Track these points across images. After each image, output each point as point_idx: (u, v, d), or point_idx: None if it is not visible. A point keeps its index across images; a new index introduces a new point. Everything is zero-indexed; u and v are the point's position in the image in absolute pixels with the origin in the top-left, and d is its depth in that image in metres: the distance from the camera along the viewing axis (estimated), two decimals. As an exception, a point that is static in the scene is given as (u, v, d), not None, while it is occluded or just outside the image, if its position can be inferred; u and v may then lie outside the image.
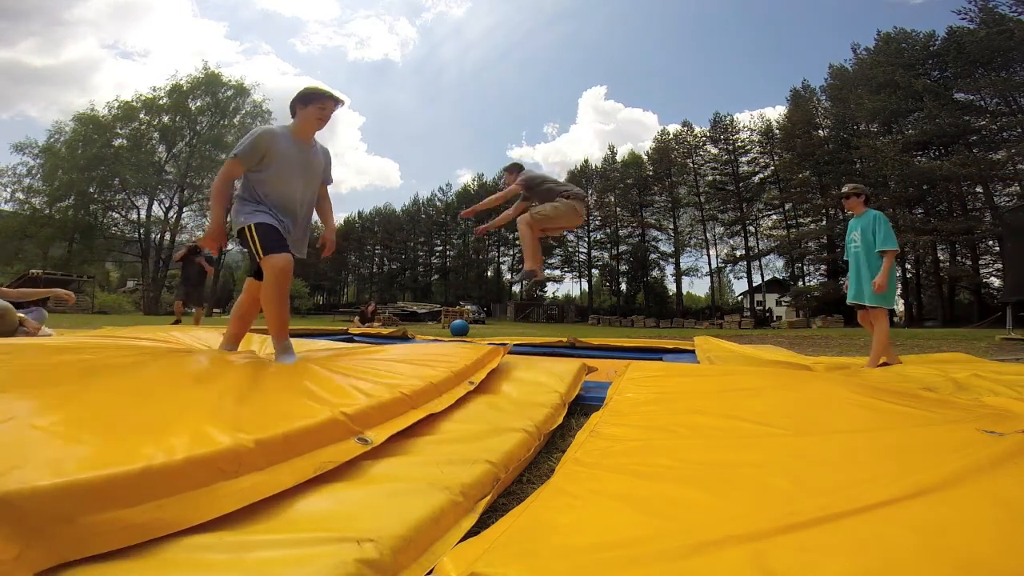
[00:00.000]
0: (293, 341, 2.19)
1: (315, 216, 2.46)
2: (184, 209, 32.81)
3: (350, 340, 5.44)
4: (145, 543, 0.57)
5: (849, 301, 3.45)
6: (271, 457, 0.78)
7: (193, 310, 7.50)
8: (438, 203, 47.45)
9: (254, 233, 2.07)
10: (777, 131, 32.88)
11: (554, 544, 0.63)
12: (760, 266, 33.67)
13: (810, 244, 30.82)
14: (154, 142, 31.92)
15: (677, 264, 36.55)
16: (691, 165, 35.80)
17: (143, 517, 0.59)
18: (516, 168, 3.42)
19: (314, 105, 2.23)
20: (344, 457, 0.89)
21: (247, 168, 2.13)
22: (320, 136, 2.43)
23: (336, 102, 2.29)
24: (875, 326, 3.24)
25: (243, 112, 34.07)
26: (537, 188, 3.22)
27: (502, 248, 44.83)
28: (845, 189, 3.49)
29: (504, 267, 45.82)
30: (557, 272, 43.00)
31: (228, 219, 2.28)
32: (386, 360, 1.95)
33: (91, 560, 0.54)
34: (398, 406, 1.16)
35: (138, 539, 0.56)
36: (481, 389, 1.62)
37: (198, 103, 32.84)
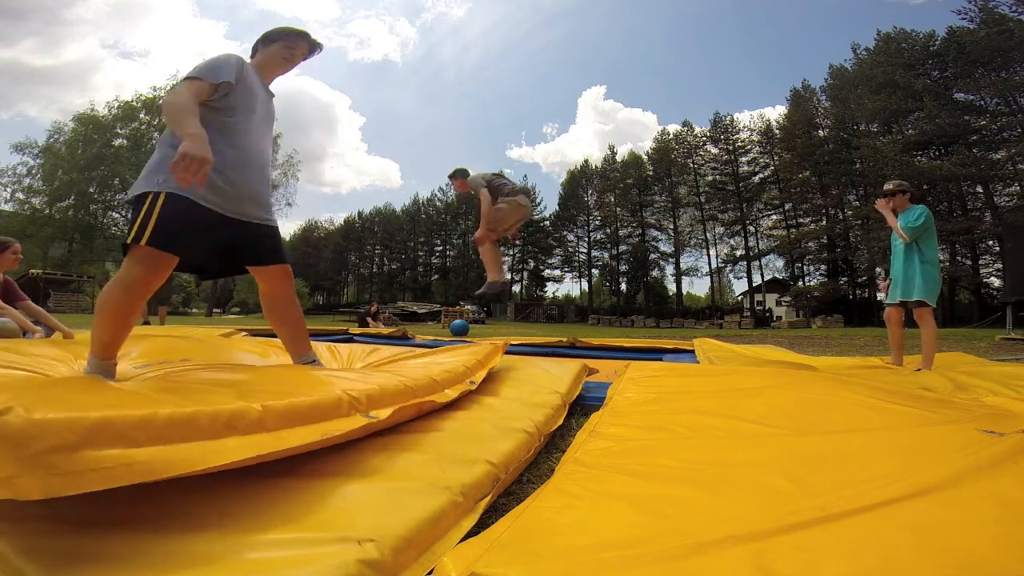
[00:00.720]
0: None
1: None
2: (184, 209, 32.79)
3: (350, 340, 5.44)
4: (144, 542, 0.58)
5: (891, 301, 3.32)
6: (278, 422, 0.81)
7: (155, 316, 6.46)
8: (438, 203, 47.47)
9: (160, 208, 1.41)
10: (777, 131, 32.90)
11: (554, 544, 0.63)
12: (760, 266, 33.71)
13: (810, 244, 30.82)
14: (154, 142, 31.88)
15: (677, 264, 36.57)
16: (691, 165, 35.82)
17: (148, 456, 0.59)
18: (462, 173, 3.47)
19: (281, 43, 1.83)
20: (351, 426, 0.91)
21: (206, 98, 1.57)
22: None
23: (311, 47, 1.89)
24: (923, 328, 3.12)
25: (243, 112, 34.04)
26: (491, 185, 3.29)
27: (502, 248, 44.82)
28: (889, 186, 3.35)
29: (504, 267, 45.72)
30: (557, 272, 43.05)
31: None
32: (387, 361, 1.96)
33: (84, 558, 0.54)
34: (403, 395, 1.18)
35: (142, 478, 0.57)
36: (482, 390, 1.62)
37: (198, 103, 32.82)
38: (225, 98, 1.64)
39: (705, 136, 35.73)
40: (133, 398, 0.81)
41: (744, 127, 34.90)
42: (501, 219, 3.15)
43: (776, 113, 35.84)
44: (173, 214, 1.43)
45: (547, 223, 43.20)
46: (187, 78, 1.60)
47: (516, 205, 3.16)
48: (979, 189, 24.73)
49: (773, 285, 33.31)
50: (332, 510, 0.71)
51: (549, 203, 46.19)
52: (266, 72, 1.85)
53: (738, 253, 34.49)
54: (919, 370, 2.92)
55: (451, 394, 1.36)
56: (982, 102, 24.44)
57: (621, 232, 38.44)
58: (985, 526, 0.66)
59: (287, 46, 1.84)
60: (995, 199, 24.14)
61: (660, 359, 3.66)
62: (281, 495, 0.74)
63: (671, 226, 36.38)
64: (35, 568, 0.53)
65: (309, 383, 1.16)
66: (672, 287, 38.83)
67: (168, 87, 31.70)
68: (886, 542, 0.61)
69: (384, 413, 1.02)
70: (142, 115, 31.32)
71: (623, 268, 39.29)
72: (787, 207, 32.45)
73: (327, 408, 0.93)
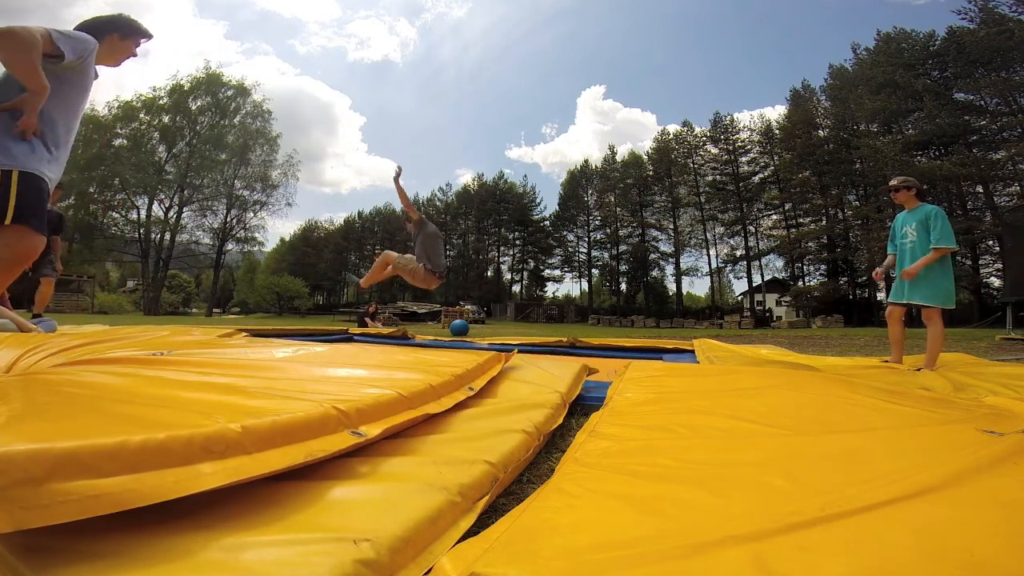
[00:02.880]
0: (293, 341, 2.07)
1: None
2: (184, 209, 32.84)
3: (350, 340, 5.44)
4: (139, 541, 0.57)
5: (895, 300, 3.26)
6: (259, 443, 0.77)
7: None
8: (438, 203, 47.47)
9: (16, 185, 1.50)
10: (777, 131, 32.89)
11: (554, 544, 0.63)
12: (760, 266, 33.72)
13: (810, 244, 30.81)
14: (154, 142, 31.93)
15: (677, 264, 36.56)
16: (691, 165, 35.83)
17: (117, 487, 0.58)
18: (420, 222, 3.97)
19: (132, 40, 1.91)
20: (337, 446, 0.88)
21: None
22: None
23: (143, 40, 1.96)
24: (929, 328, 3.06)
25: (243, 112, 34.11)
26: (426, 232, 3.79)
27: (502, 248, 44.83)
28: (894, 182, 3.31)
29: (504, 267, 45.81)
30: (557, 272, 43.04)
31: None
32: (384, 361, 1.95)
33: (81, 560, 0.54)
34: (395, 406, 1.14)
35: (111, 509, 0.56)
36: (481, 389, 1.62)
37: (198, 103, 32.87)
38: (79, 76, 1.64)
39: (705, 136, 35.73)
40: (104, 421, 0.79)
41: (744, 127, 34.92)
42: (412, 274, 3.75)
43: (776, 113, 35.89)
44: (36, 189, 1.52)
45: (547, 223, 43.21)
46: (48, 31, 1.56)
47: (426, 279, 3.75)
48: (979, 189, 24.72)
49: (773, 285, 33.32)
50: (327, 510, 0.71)
51: (549, 203, 46.21)
52: (108, 62, 1.88)
53: (738, 253, 34.51)
54: (919, 369, 2.89)
55: (447, 403, 1.34)
56: (982, 102, 24.43)
57: (621, 232, 38.45)
58: (986, 526, 0.66)
59: (136, 45, 1.92)
60: (995, 199, 24.14)
61: (660, 359, 3.66)
62: (276, 495, 0.73)
63: (671, 226, 36.39)
64: (29, 566, 0.53)
65: (298, 390, 1.13)
66: (672, 287, 38.84)
67: (168, 87, 31.84)
68: (886, 542, 0.61)
69: (373, 431, 0.99)
70: (142, 115, 31.33)
71: (623, 268, 39.30)
72: (787, 207, 32.45)
73: (313, 425, 0.90)
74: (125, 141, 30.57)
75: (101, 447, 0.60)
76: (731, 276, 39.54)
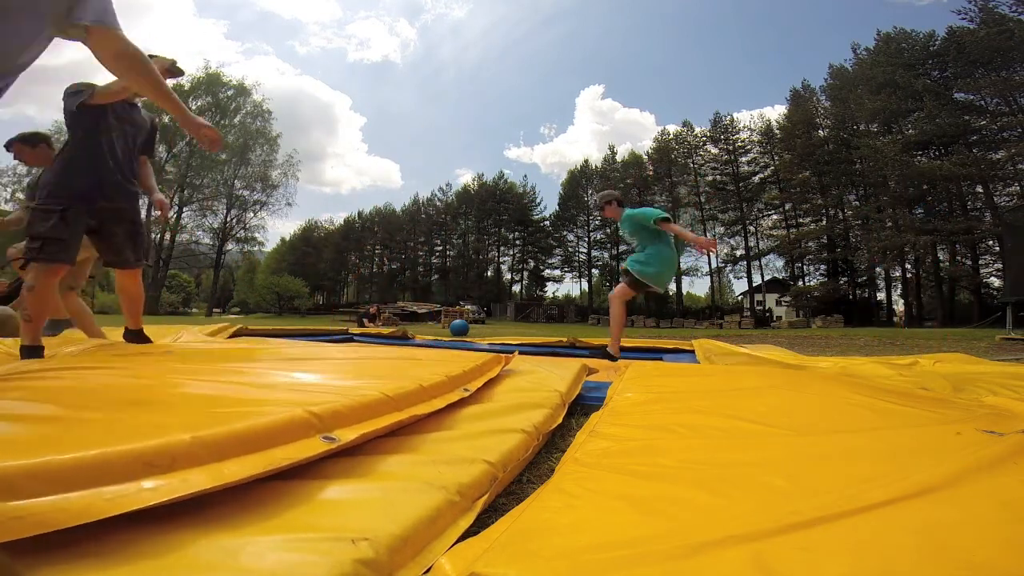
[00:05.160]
0: (293, 342, 2.11)
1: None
2: (184, 209, 32.84)
3: (350, 340, 5.44)
4: (136, 541, 0.57)
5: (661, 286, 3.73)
6: (213, 453, 0.73)
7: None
8: (438, 203, 47.52)
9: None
10: (777, 131, 32.93)
11: (554, 544, 0.62)
12: (760, 266, 33.77)
13: (810, 244, 30.84)
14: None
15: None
16: (691, 165, 35.86)
17: (40, 508, 0.55)
18: None
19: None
20: (304, 454, 0.82)
21: None
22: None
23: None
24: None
25: (243, 112, 34.14)
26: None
27: (502, 248, 44.84)
28: (595, 199, 3.78)
29: (504, 267, 45.82)
30: (557, 272, 43.06)
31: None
32: (377, 362, 1.95)
33: (74, 560, 0.54)
34: (379, 407, 1.09)
35: (31, 531, 0.53)
36: (479, 389, 1.62)
37: (198, 103, 32.89)
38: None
39: (705, 136, 35.77)
40: (32, 434, 0.76)
41: (744, 127, 34.98)
42: None
43: (776, 113, 35.92)
44: None
45: (547, 223, 43.22)
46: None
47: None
48: (979, 189, 24.76)
49: (773, 285, 33.35)
50: (325, 509, 0.71)
51: (549, 203, 46.22)
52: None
53: (738, 253, 34.55)
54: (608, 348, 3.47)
55: (438, 404, 1.30)
56: (982, 102, 24.46)
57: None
58: (986, 526, 0.66)
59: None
60: (995, 199, 24.17)
61: (660, 359, 3.66)
62: (273, 494, 0.73)
63: (671, 226, 36.34)
64: (24, 563, 0.52)
65: (262, 402, 1.06)
66: (672, 287, 38.84)
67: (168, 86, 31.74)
68: (887, 542, 0.61)
69: (348, 435, 0.92)
70: (142, 115, 31.29)
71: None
72: (787, 207, 32.49)
73: (277, 430, 0.83)
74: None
75: (22, 467, 0.58)
76: (731, 276, 39.65)
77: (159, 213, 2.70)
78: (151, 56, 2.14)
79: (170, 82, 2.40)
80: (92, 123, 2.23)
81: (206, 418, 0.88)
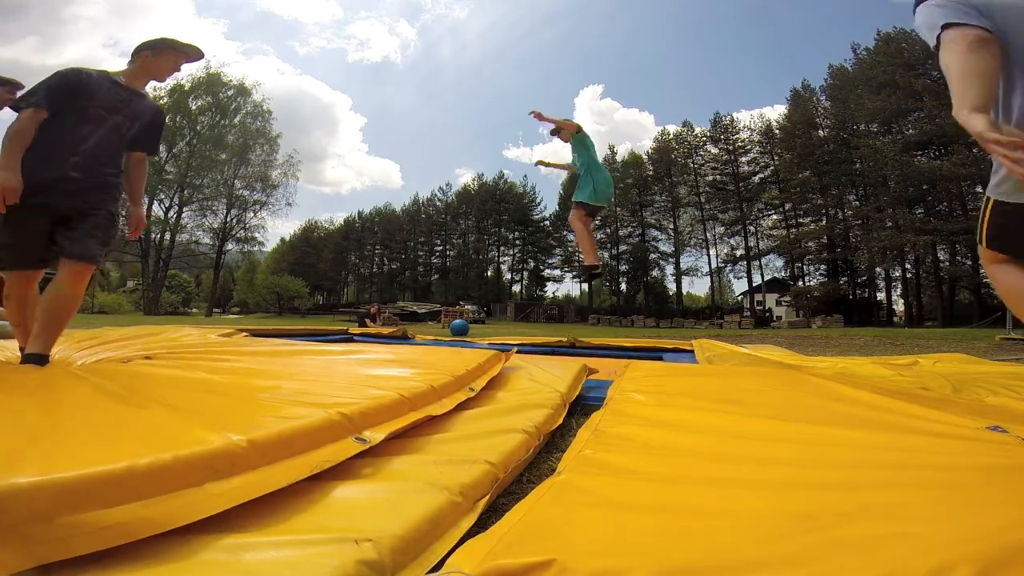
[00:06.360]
0: (294, 342, 2.09)
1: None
2: (184, 209, 32.84)
3: (350, 340, 5.44)
4: (138, 544, 0.57)
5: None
6: (265, 457, 0.76)
7: None
8: (438, 203, 47.48)
9: None
10: (777, 131, 32.89)
11: (554, 544, 0.63)
12: (760, 266, 33.73)
13: (810, 244, 30.81)
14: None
15: (677, 264, 36.54)
16: (691, 165, 35.83)
17: (126, 517, 0.57)
18: None
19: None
20: (341, 456, 0.87)
21: None
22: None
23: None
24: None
25: (244, 112, 34.11)
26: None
27: (502, 248, 44.84)
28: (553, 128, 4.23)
29: (504, 267, 45.79)
30: (557, 272, 43.05)
31: None
32: (384, 362, 1.95)
33: (82, 561, 0.54)
34: (398, 407, 1.14)
35: (120, 540, 0.55)
36: (481, 389, 1.62)
37: (199, 103, 32.87)
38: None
39: (705, 136, 35.73)
40: (110, 440, 0.76)
41: (744, 127, 34.91)
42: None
43: (776, 113, 35.78)
44: None
45: (547, 223, 43.20)
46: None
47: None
48: (979, 189, 24.71)
49: (773, 285, 33.31)
50: (329, 510, 0.71)
51: (549, 203, 46.16)
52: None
53: (738, 253, 34.52)
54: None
55: (448, 404, 1.34)
56: (982, 102, 24.39)
57: (621, 232, 38.44)
58: (987, 526, 0.66)
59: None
60: (995, 199, 24.11)
61: (660, 359, 3.66)
62: (277, 495, 0.73)
63: (671, 226, 36.40)
64: (9, 569, 0.53)
65: (297, 405, 1.07)
66: (672, 287, 38.89)
67: (168, 86, 31.75)
68: (888, 542, 0.61)
69: (377, 435, 0.98)
70: (142, 115, 31.27)
71: (623, 268, 39.30)
72: (787, 207, 32.46)
73: (317, 432, 0.88)
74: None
75: (108, 475, 0.59)
76: (731, 276, 39.58)
77: (130, 230, 2.33)
78: (172, 41, 2.11)
79: (171, 79, 2.37)
80: (57, 109, 1.84)
81: (243, 419, 0.91)
